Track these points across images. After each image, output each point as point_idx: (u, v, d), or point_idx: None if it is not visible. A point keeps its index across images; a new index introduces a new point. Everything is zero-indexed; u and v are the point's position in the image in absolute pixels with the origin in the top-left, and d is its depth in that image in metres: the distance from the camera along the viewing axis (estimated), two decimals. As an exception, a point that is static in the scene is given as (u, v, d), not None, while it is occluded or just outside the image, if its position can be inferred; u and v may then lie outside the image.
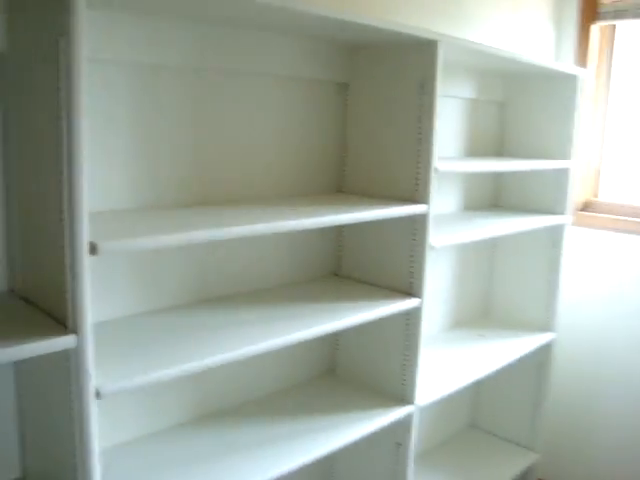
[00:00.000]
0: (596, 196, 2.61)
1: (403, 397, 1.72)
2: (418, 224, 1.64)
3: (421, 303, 1.66)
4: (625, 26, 2.50)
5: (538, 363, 2.32)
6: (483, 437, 2.47)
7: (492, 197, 2.43)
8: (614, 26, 2.52)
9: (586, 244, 2.51)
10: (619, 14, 2.44)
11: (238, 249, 1.60)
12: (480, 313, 2.49)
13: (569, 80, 2.20)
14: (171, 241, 1.10)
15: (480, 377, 1.94)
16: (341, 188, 1.82)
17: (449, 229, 1.83)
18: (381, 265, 1.73)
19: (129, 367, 1.11)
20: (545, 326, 2.31)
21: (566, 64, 2.23)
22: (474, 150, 2.29)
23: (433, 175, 1.61)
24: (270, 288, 1.68)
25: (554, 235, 2.28)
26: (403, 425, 1.71)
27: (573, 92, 2.20)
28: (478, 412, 2.55)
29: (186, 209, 1.40)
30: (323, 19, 1.30)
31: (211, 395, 1.60)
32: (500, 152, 2.41)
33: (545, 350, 2.28)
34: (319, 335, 1.39)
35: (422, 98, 1.59)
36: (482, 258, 2.43)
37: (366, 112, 1.73)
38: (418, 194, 1.63)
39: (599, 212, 2.54)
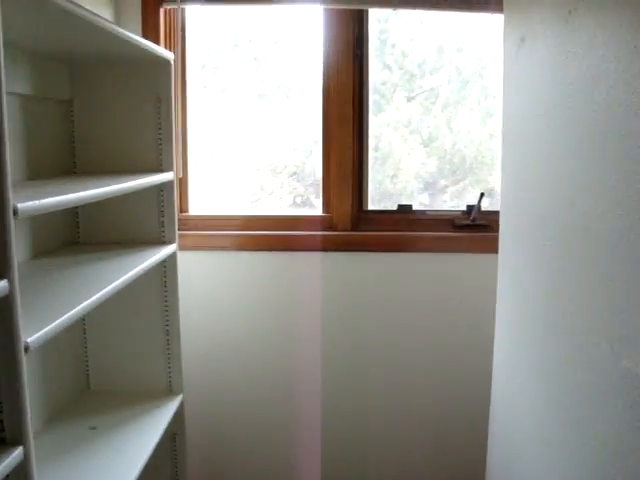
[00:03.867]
0: (187, 211, 2.21)
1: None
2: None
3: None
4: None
5: (171, 434, 1.81)
6: None
7: (68, 233, 1.76)
8: (184, 10, 2.12)
9: (188, 270, 2.07)
10: (186, -5, 2.05)
11: None
12: (79, 392, 1.79)
13: (159, 67, 1.70)
14: None
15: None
16: None
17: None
18: None
19: None
20: (172, 388, 1.81)
21: (157, 46, 1.68)
22: (37, 168, 1.56)
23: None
24: None
25: (163, 270, 1.77)
26: None
27: (165, 82, 1.71)
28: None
29: None
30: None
31: None
32: (71, 168, 1.74)
33: (176, 419, 1.77)
34: None
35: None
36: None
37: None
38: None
39: (192, 229, 2.15)
